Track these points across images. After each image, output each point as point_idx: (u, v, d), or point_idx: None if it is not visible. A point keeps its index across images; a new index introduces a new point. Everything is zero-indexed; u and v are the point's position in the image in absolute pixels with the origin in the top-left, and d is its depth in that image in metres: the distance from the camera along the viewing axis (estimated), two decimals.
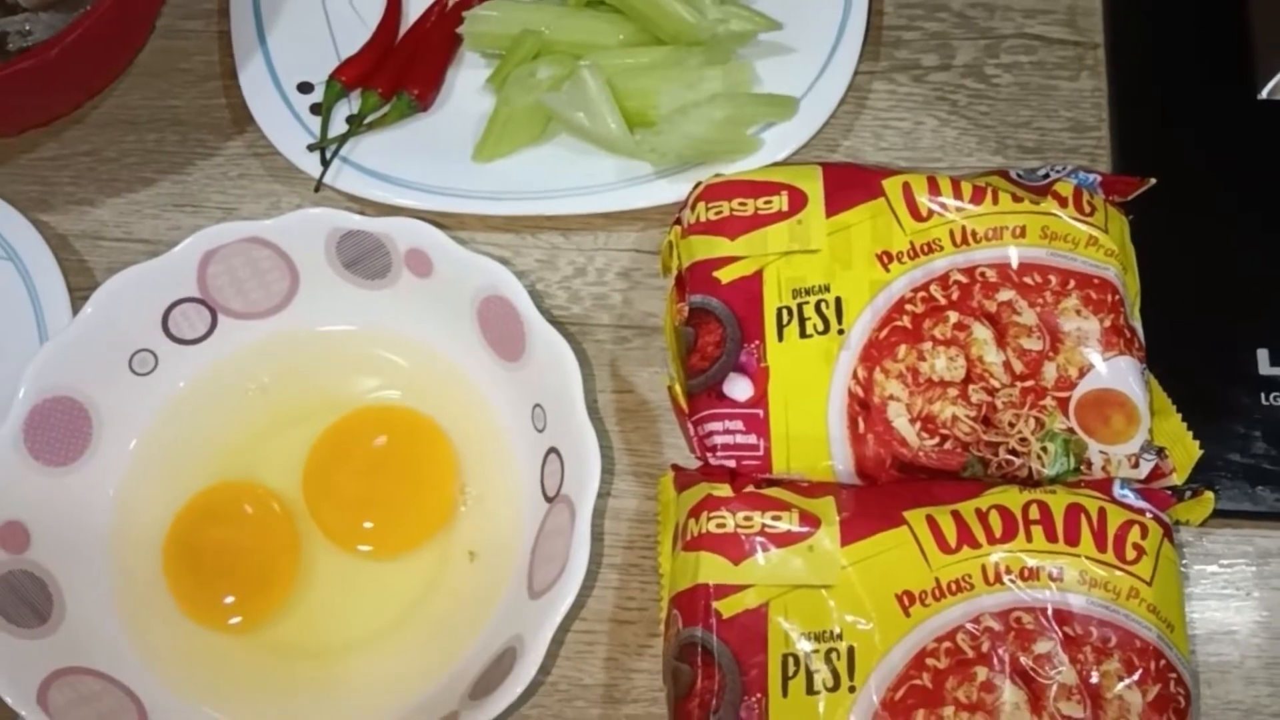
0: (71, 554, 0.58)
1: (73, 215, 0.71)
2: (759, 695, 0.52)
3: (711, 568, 0.54)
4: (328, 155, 0.67)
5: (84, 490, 0.60)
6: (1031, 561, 0.53)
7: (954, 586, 0.53)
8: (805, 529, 0.54)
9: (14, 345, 0.65)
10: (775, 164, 0.64)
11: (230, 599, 0.59)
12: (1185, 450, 0.57)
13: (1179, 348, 0.60)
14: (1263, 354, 0.60)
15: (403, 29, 0.72)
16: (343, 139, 0.68)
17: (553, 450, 0.58)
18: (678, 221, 0.63)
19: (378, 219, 0.61)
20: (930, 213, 0.60)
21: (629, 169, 0.67)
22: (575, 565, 0.53)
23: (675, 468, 0.60)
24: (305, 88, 0.70)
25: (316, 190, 0.67)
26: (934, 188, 0.60)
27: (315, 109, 0.69)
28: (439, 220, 0.66)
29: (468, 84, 0.71)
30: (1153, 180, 0.62)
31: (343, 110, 0.69)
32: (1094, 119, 0.69)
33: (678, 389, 0.59)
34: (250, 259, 0.61)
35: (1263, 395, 0.59)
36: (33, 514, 0.58)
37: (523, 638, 0.54)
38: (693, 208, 0.62)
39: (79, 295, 0.66)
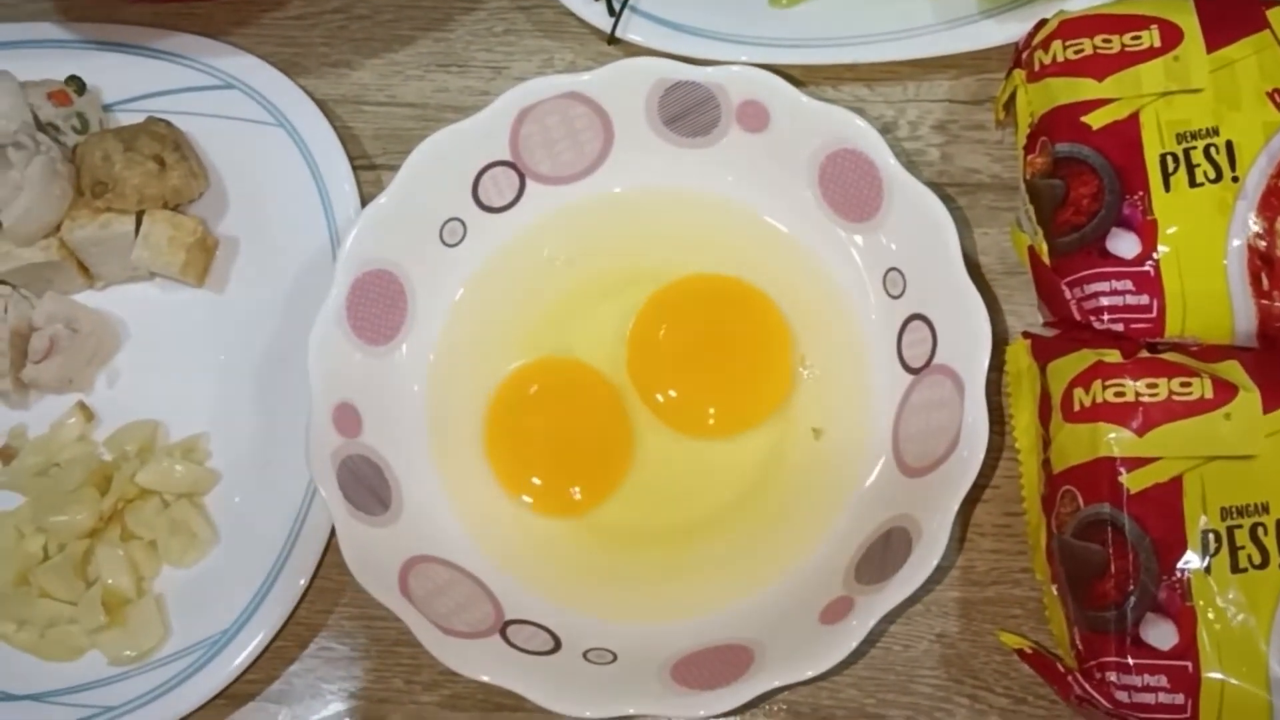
0: (397, 437, 0.55)
1: (330, 79, 0.66)
2: (1180, 574, 0.48)
3: (1114, 440, 0.50)
4: (617, 4, 0.62)
5: (402, 370, 0.56)
6: None
7: None
8: (1220, 395, 0.50)
9: (296, 214, 0.61)
10: None
11: (562, 484, 0.56)
12: None
13: None
14: None
15: None
16: None
17: (917, 317, 0.53)
18: (1018, 64, 0.58)
19: (711, 68, 0.56)
20: None
21: (950, 9, 0.61)
22: (974, 441, 0.49)
23: (1028, 334, 0.55)
24: None
25: (610, 43, 0.62)
26: None
27: None
28: None
29: None
30: None
31: None
32: None
33: (1042, 247, 0.54)
34: (566, 117, 0.56)
35: None
36: (360, 396, 0.54)
37: (914, 519, 0.50)
38: (1045, 48, 0.56)
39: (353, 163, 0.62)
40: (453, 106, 0.65)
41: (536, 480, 0.56)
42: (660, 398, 0.56)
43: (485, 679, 0.49)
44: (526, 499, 0.56)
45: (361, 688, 0.56)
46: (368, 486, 0.52)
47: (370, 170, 0.63)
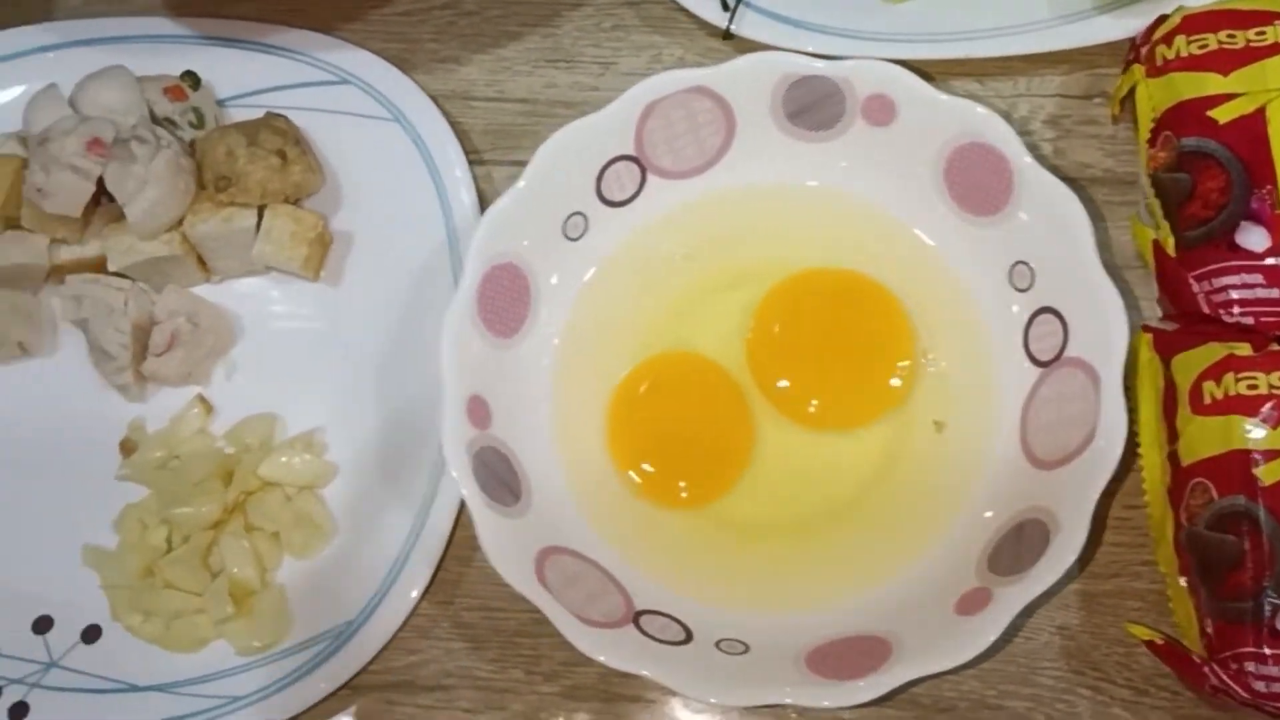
0: (523, 429, 0.55)
1: (438, 74, 0.66)
2: None
3: (1248, 432, 0.50)
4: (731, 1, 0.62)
5: (526, 363, 0.57)
6: None
7: None
8: None
9: (412, 209, 0.61)
10: None
11: (685, 477, 0.56)
12: None
13: None
14: None
15: None
16: None
17: (1046, 310, 0.54)
18: (1135, 59, 0.58)
19: (838, 62, 0.56)
20: None
21: (1065, 4, 0.61)
22: (1113, 434, 0.50)
23: (1148, 328, 0.55)
24: None
25: (726, 38, 0.62)
26: None
27: None
28: None
29: None
30: None
31: None
32: None
33: (1168, 240, 0.55)
34: (689, 111, 0.57)
35: None
36: (489, 388, 0.54)
37: (1049, 510, 0.50)
38: (1168, 43, 0.56)
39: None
40: (562, 102, 0.65)
41: (660, 474, 0.56)
42: (781, 390, 0.57)
43: (626, 668, 0.49)
44: (649, 492, 0.56)
45: (483, 678, 0.56)
46: (499, 478, 0.53)
47: (480, 165, 0.64)
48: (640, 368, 0.57)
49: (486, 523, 0.51)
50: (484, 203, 0.61)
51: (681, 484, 0.56)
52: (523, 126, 0.65)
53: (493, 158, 0.64)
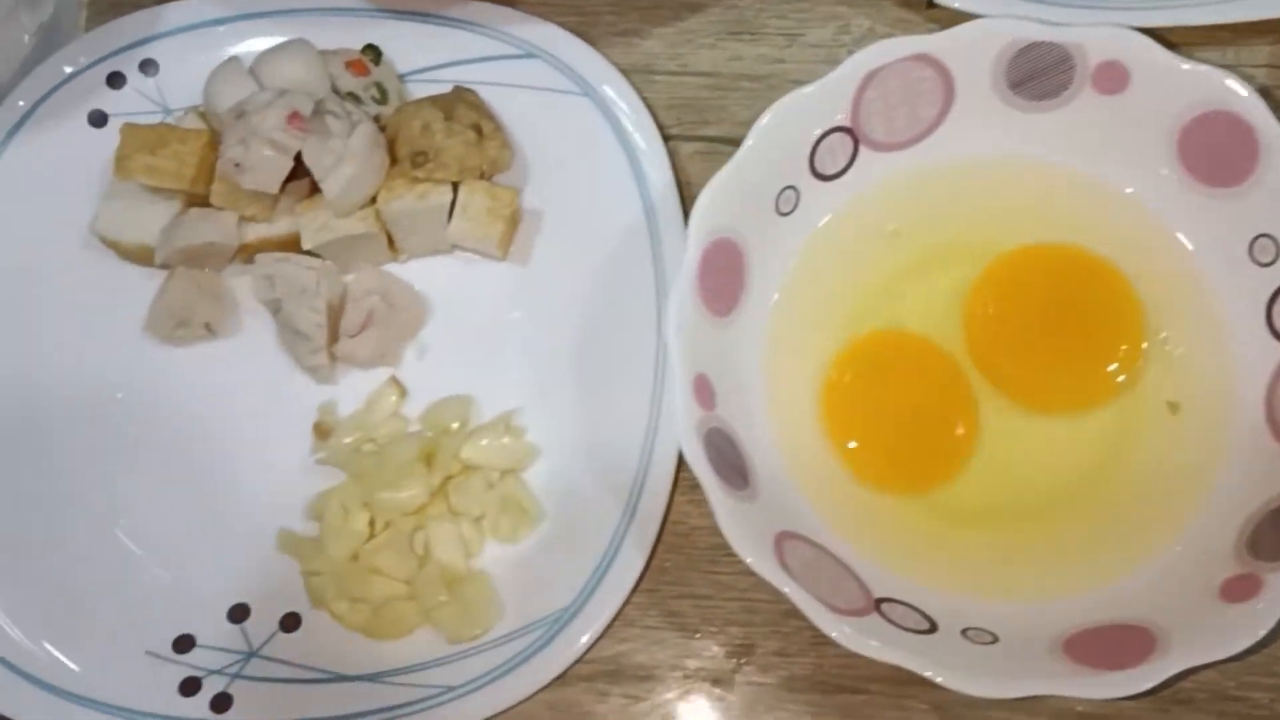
0: (738, 409, 0.53)
1: (619, 48, 0.64)
2: None
3: None
4: None
5: (739, 342, 0.54)
6: None
7: None
8: None
9: (606, 185, 0.59)
10: None
11: (908, 461, 0.54)
12: None
13: None
14: None
15: None
16: None
17: None
18: None
19: (1071, 28, 0.53)
20: None
21: None
22: None
23: None
24: None
25: (929, 7, 0.60)
26: None
27: None
28: None
29: None
30: None
31: None
32: None
33: None
34: (909, 80, 0.54)
35: None
36: (710, 368, 0.52)
37: None
38: None
39: None
40: (748, 75, 0.63)
41: (883, 459, 0.54)
42: (1005, 371, 0.55)
43: (883, 659, 0.47)
44: (871, 477, 0.54)
45: (695, 668, 0.55)
46: (727, 460, 0.51)
47: (666, 141, 0.62)
48: (855, 346, 0.55)
49: (725, 508, 0.49)
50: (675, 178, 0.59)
51: (907, 469, 0.54)
52: (707, 101, 0.63)
53: (678, 132, 0.62)
